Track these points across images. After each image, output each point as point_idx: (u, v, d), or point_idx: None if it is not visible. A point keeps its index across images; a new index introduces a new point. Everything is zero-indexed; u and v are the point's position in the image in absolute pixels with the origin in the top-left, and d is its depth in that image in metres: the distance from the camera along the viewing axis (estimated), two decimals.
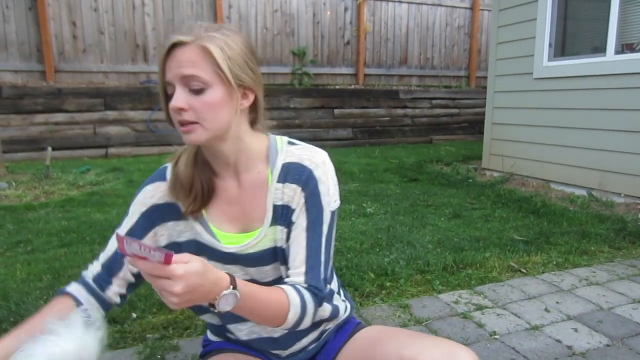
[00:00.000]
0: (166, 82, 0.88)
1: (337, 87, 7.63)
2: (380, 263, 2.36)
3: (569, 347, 1.72)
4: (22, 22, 5.89)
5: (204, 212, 0.98)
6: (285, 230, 0.97)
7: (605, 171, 3.90)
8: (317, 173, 0.96)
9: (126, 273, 0.99)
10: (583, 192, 4.02)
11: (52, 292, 1.95)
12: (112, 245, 1.00)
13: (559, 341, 1.76)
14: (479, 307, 2.02)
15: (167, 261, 0.71)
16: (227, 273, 0.81)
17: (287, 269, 0.96)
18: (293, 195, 0.96)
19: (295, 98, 6.85)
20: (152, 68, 6.54)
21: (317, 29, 7.57)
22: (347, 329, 1.14)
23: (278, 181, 0.97)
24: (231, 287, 0.79)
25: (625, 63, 3.75)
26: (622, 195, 3.78)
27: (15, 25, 5.86)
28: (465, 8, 8.50)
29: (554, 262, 2.55)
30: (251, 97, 0.94)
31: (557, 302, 2.08)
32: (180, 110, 0.86)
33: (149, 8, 6.51)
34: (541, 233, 2.95)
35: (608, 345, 1.73)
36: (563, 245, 2.77)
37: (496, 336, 1.79)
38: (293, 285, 0.92)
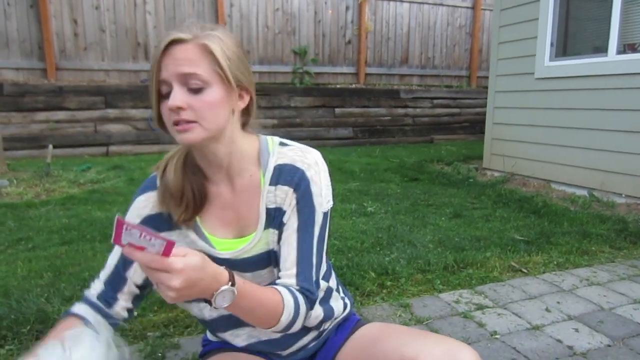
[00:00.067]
0: (161, 80, 0.85)
1: (338, 86, 7.62)
2: (381, 262, 2.36)
3: (570, 347, 1.71)
4: (23, 20, 5.88)
5: (197, 218, 0.97)
6: (276, 232, 0.95)
7: (607, 171, 3.90)
8: (310, 173, 0.94)
9: (130, 287, 0.97)
10: (584, 192, 4.02)
11: (52, 290, 1.95)
12: (111, 261, 0.98)
13: (559, 341, 1.76)
14: (480, 307, 2.02)
15: (167, 252, 0.68)
16: (226, 268, 0.80)
17: (278, 270, 0.95)
18: (285, 197, 0.94)
19: (296, 97, 6.85)
20: None
21: (318, 27, 7.57)
22: (347, 326, 1.13)
23: (270, 184, 0.95)
24: (230, 283, 0.78)
25: (626, 63, 3.74)
26: (623, 195, 3.78)
27: (16, 22, 5.85)
28: (467, 8, 8.49)
29: (555, 262, 2.55)
30: (246, 99, 0.93)
31: (558, 302, 2.08)
32: (179, 109, 0.84)
33: (150, 6, 6.50)
34: (542, 233, 2.94)
35: (609, 346, 1.72)
36: (564, 245, 2.76)
37: (497, 336, 1.79)
38: (287, 287, 0.91)
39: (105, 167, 4.78)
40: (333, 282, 1.13)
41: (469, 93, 8.07)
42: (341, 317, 1.13)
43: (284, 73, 7.38)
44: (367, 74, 7.95)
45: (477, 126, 7.65)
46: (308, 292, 0.92)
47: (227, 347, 1.10)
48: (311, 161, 0.96)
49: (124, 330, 1.74)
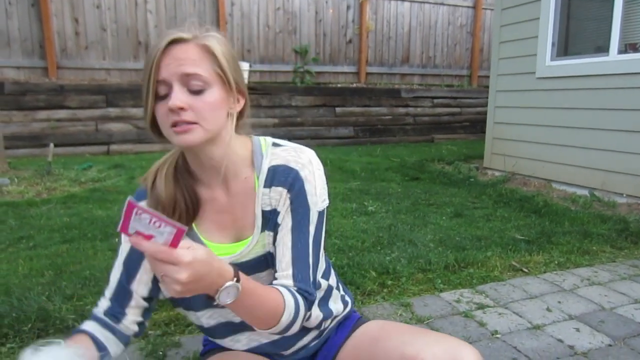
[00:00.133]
0: (160, 80, 0.83)
1: (339, 85, 7.62)
2: (381, 261, 2.36)
3: (571, 347, 1.71)
4: (24, 19, 5.89)
5: (193, 225, 0.95)
6: (272, 234, 0.94)
7: (608, 171, 3.90)
8: (304, 173, 0.93)
9: (137, 300, 0.95)
10: (585, 192, 4.01)
11: (53, 288, 1.96)
12: (114, 277, 0.96)
13: (560, 341, 1.76)
14: (481, 306, 2.02)
15: (175, 243, 0.67)
16: (231, 264, 0.79)
17: (275, 271, 0.93)
18: (279, 198, 0.93)
19: (297, 96, 6.85)
20: None
21: (319, 27, 7.56)
22: (347, 324, 1.13)
23: (265, 186, 0.94)
24: (235, 279, 0.77)
25: (628, 63, 3.74)
26: (625, 195, 3.77)
27: (18, 21, 5.86)
28: (468, 7, 8.49)
29: (556, 262, 2.55)
30: (242, 102, 0.92)
31: (559, 302, 2.08)
32: (180, 110, 0.82)
33: (152, 5, 6.51)
34: (543, 233, 2.94)
35: (610, 345, 1.72)
36: (565, 245, 2.76)
37: (498, 335, 1.79)
38: (287, 287, 0.90)
39: (106, 165, 4.78)
40: (333, 280, 1.12)
41: (469, 92, 8.07)
42: (342, 315, 1.13)
43: (285, 72, 7.38)
44: (368, 73, 7.94)
45: (477, 125, 7.64)
46: (306, 293, 0.91)
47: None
48: (305, 161, 0.94)
49: None
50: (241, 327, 1.00)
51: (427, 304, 2.04)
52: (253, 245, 0.95)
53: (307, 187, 0.93)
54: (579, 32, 4.49)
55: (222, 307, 0.96)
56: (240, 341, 1.03)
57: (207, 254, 0.72)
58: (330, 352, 1.10)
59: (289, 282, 0.91)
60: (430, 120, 7.67)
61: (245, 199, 0.95)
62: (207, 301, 0.96)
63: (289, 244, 0.92)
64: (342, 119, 7.09)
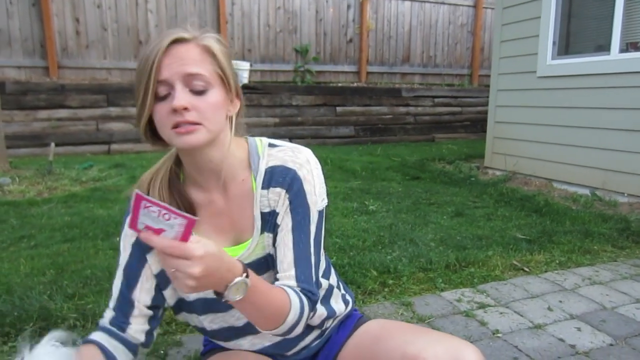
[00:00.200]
0: (161, 80, 0.81)
1: (339, 84, 7.62)
2: (382, 261, 2.36)
3: (572, 346, 1.71)
4: (25, 18, 5.89)
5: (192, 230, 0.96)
6: (271, 235, 0.94)
7: (609, 170, 3.89)
8: (302, 173, 0.92)
9: (141, 309, 0.94)
10: (586, 192, 4.01)
11: (55, 287, 1.96)
12: (115, 287, 0.96)
13: (562, 340, 1.75)
14: (482, 306, 2.02)
15: (185, 236, 0.65)
16: (239, 260, 0.78)
17: (276, 272, 0.92)
18: (277, 199, 0.92)
19: (297, 95, 6.84)
20: None
21: (319, 26, 7.56)
22: (349, 323, 1.13)
23: (262, 187, 0.92)
24: (244, 275, 0.76)
25: (629, 62, 3.73)
26: (626, 194, 3.77)
27: (18, 21, 5.86)
28: (469, 6, 8.48)
29: (557, 261, 2.55)
30: (237, 104, 0.91)
31: (560, 301, 2.08)
32: (184, 110, 0.80)
33: (152, 5, 6.51)
34: (544, 232, 2.94)
35: (611, 345, 1.72)
36: (566, 244, 2.76)
37: (499, 334, 1.79)
38: (291, 287, 0.89)
39: (107, 165, 4.78)
40: (333, 279, 1.12)
41: (470, 91, 8.07)
42: (343, 314, 1.12)
43: (286, 71, 7.38)
44: (368, 73, 7.94)
45: (478, 125, 7.64)
46: (309, 293, 0.91)
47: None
48: (302, 160, 0.93)
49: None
50: (244, 331, 1.00)
51: (428, 303, 2.04)
52: (253, 247, 0.94)
53: (306, 186, 0.92)
54: (580, 31, 4.48)
55: (225, 311, 0.96)
56: (243, 345, 1.03)
57: (217, 248, 0.72)
58: (331, 351, 1.10)
59: (292, 282, 0.90)
60: (431, 120, 7.67)
61: (243, 201, 0.94)
62: (209, 305, 0.96)
63: (290, 244, 0.91)
64: (342, 118, 7.09)
